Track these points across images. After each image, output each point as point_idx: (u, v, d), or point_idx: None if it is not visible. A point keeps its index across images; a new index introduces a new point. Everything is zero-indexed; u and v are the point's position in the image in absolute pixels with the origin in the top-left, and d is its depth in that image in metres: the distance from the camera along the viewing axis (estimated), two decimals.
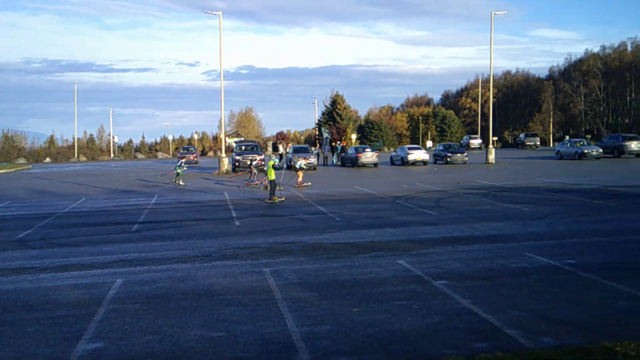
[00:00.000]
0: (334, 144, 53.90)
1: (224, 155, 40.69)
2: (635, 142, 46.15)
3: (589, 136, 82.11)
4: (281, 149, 52.98)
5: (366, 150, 44.24)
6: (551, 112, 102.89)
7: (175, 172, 31.70)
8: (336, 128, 75.68)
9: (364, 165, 42.33)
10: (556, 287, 9.14)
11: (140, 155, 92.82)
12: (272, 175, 22.12)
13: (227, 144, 67.14)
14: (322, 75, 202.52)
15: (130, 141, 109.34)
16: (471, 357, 6.35)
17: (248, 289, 9.42)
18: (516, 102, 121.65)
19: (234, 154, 41.02)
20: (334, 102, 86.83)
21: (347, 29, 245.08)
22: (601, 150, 45.24)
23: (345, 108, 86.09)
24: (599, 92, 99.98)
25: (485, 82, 49.51)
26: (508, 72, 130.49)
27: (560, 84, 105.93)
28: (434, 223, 15.80)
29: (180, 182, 30.79)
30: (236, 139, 78.80)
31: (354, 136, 69.97)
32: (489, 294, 8.82)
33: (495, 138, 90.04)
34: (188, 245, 13.42)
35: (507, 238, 13.39)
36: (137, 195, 25.79)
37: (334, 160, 49.63)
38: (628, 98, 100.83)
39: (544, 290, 8.99)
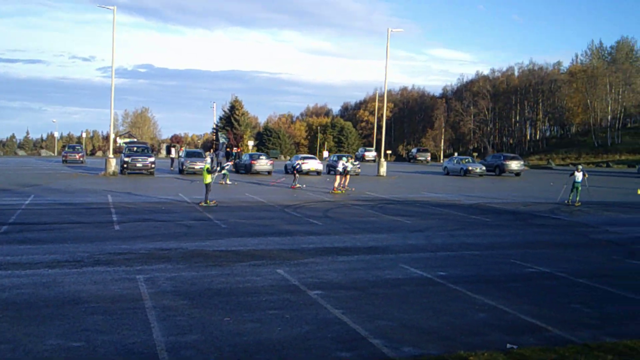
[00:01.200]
0: (229, 149, 53.41)
1: (111, 155, 39.22)
2: (515, 162, 49.05)
3: (475, 154, 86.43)
4: (174, 152, 51.80)
5: (261, 157, 44.18)
6: (443, 129, 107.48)
7: (221, 173, 32.35)
8: (233, 134, 75.17)
9: (257, 172, 42.24)
10: (425, 297, 9.48)
11: (21, 152, 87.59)
12: (207, 179, 22.22)
13: (118, 145, 64.84)
14: (224, 80, 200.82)
15: (13, 136, 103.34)
16: None
17: (117, 297, 9.07)
18: (411, 118, 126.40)
19: (122, 155, 39.66)
20: (232, 108, 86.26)
21: (252, 34, 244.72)
22: (484, 168, 47.73)
23: (243, 114, 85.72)
24: (487, 113, 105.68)
25: (383, 96, 50.90)
26: (405, 88, 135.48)
27: (452, 103, 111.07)
28: (318, 233, 15.96)
29: (228, 182, 32.05)
30: (127, 140, 76.24)
31: (251, 143, 69.76)
32: (361, 304, 9.00)
33: (389, 151, 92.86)
34: (59, 250, 12.75)
35: (387, 249, 13.76)
36: (11, 195, 24.26)
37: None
38: (513, 120, 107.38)
39: (413, 300, 9.29)
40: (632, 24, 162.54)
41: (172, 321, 7.92)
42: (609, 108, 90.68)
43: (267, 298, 9.23)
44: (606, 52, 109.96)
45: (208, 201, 22.05)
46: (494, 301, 9.27)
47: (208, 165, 23.15)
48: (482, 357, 6.76)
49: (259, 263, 11.81)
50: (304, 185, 32.08)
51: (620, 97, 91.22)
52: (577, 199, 25.09)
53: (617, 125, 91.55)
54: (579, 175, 24.95)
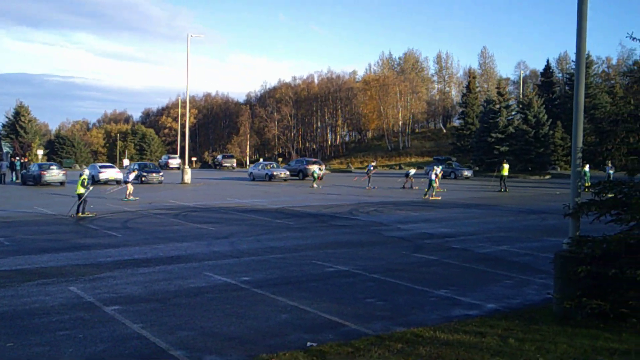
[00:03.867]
0: (13, 159, 48.87)
1: None
2: (317, 166, 51.08)
3: (280, 159, 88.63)
4: None
5: (52, 167, 41.09)
6: (248, 135, 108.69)
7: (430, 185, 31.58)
8: (19, 142, 68.96)
9: (48, 183, 39.23)
10: (228, 304, 9.41)
11: None
12: (81, 189, 21.81)
13: None
14: (7, 83, 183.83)
15: None
16: None
17: None
18: (216, 124, 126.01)
19: None
20: (17, 114, 79.19)
21: (41, 35, 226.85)
22: (288, 172, 49.10)
23: (30, 120, 79.18)
24: (290, 119, 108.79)
25: (185, 102, 50.14)
26: (209, 95, 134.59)
27: (256, 109, 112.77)
28: (117, 245, 15.17)
29: (433, 196, 30.98)
30: None
31: (40, 152, 64.49)
32: (162, 316, 8.68)
33: (194, 158, 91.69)
34: None
35: (190, 258, 13.47)
36: None
37: (13, 178, 44.97)
38: (315, 125, 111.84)
39: (216, 308, 9.17)
40: (417, 37, 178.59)
41: None
42: (400, 114, 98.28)
43: (58, 318, 8.53)
44: (395, 62, 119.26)
45: (87, 212, 21.84)
46: (295, 302, 9.48)
47: (85, 177, 22.60)
48: (283, 357, 6.85)
49: (48, 281, 10.88)
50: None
51: (408, 104, 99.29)
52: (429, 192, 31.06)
53: (407, 131, 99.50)
54: (432, 174, 31.53)
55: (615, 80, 77.79)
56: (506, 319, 8.36)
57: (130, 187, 29.76)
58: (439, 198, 30.81)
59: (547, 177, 55.61)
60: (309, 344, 7.40)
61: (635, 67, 73.84)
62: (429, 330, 7.83)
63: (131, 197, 29.11)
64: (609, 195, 8.73)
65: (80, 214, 21.56)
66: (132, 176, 31.59)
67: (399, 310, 9.10)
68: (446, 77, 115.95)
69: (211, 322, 8.43)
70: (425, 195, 31.21)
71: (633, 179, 8.71)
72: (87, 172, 24.19)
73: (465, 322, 8.30)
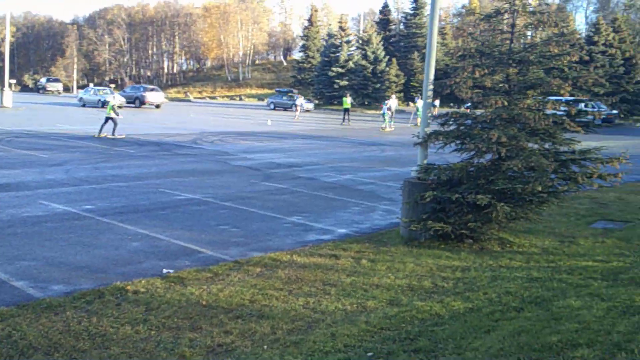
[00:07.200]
0: None
1: None
2: (155, 94, 49.12)
3: (113, 85, 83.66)
4: None
5: None
6: (75, 59, 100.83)
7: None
8: None
9: None
10: (72, 233, 8.81)
11: None
12: (112, 113, 23.02)
13: None
14: None
15: None
16: None
17: None
18: (38, 45, 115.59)
19: None
20: None
21: None
22: (124, 99, 46.55)
23: None
24: (123, 43, 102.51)
25: (3, 19, 45.10)
26: (29, 12, 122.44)
27: (85, 30, 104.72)
28: None
29: (389, 127, 32.91)
30: None
31: None
32: None
33: (13, 81, 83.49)
34: None
35: (21, 186, 12.37)
36: None
37: None
38: (150, 52, 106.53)
39: (58, 237, 8.55)
40: None
41: None
42: (240, 45, 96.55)
43: None
44: None
45: (116, 134, 22.83)
46: (146, 230, 9.12)
47: (114, 104, 23.82)
48: (140, 284, 6.59)
49: None
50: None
51: (250, 34, 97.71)
52: (392, 123, 33.37)
53: (247, 61, 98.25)
54: (385, 107, 33.44)
55: (445, 21, 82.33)
56: (358, 243, 8.71)
57: (299, 109, 42.08)
58: (392, 129, 32.87)
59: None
60: (165, 270, 7.18)
61: (464, 10, 78.70)
62: (286, 255, 7.93)
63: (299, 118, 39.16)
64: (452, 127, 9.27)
65: (113, 135, 22.71)
66: (300, 101, 44.31)
67: (254, 236, 9.11)
68: (288, 9, 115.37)
69: (54, 251, 7.85)
70: (383, 128, 32.96)
71: (475, 111, 9.31)
72: (117, 96, 25.41)
73: (320, 246, 8.52)
